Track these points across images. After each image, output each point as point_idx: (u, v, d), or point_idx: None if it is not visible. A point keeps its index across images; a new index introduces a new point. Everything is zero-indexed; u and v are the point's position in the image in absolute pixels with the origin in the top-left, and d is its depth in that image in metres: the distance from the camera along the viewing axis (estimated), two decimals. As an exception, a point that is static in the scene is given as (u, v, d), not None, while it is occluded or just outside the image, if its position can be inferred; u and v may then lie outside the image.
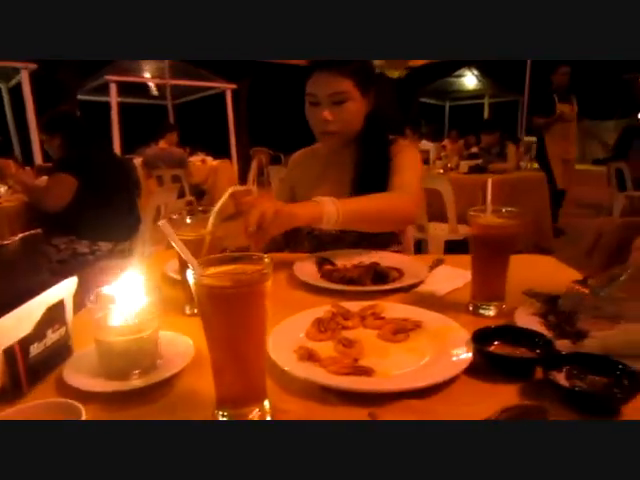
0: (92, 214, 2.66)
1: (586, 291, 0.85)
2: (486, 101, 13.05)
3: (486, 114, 13.01)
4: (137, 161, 6.46)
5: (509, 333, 0.74)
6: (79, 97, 8.77)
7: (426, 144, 4.82)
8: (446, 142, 7.88)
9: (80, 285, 0.77)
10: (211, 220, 0.90)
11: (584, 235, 0.81)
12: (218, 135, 9.64)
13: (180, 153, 5.84)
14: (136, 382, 0.64)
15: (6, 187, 3.40)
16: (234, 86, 9.49)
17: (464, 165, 4.01)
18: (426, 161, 4.36)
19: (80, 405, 0.51)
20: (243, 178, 8.03)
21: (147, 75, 9.26)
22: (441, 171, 3.96)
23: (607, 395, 0.58)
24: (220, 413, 0.58)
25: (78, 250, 2.63)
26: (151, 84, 9.81)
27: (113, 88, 7.92)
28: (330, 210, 1.09)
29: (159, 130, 5.92)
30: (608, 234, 0.84)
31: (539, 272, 1.19)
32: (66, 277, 0.75)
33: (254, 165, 6.93)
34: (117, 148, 7.78)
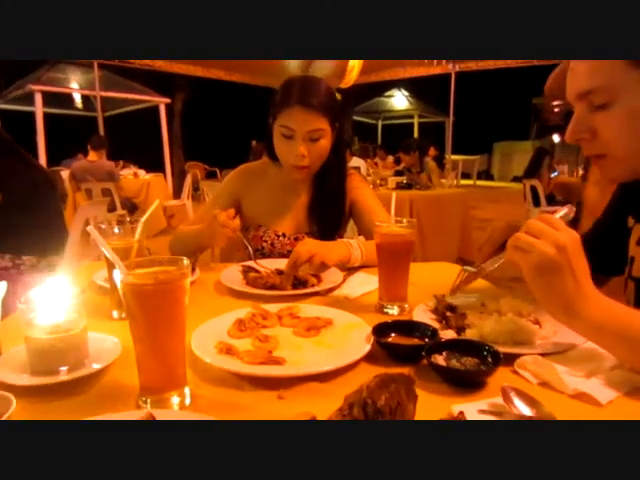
0: (14, 227, 2.56)
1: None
2: (415, 121, 13.76)
3: (416, 133, 13.70)
4: (64, 174, 6.22)
5: (405, 326, 0.86)
6: (0, 106, 8.31)
7: (357, 161, 5.04)
8: (377, 159, 8.24)
9: (4, 298, 0.81)
10: (139, 229, 0.96)
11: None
12: (152, 149, 9.47)
13: (110, 166, 5.70)
14: (63, 377, 0.69)
15: None
16: (168, 100, 9.39)
17: (392, 181, 4.24)
18: (357, 178, 4.56)
19: (11, 395, 0.56)
20: (178, 193, 7.93)
21: (75, 86, 8.94)
22: (370, 187, 4.17)
23: (472, 370, 0.71)
24: (143, 399, 0.64)
25: (0, 264, 2.53)
26: (76, 96, 9.46)
27: (38, 98, 7.58)
28: (356, 255, 1.30)
29: (87, 142, 5.75)
30: (496, 233, 1.00)
31: (443, 277, 1.34)
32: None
33: (188, 180, 6.87)
34: (42, 160, 7.42)
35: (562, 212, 0.80)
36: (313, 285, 1.16)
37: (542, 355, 0.75)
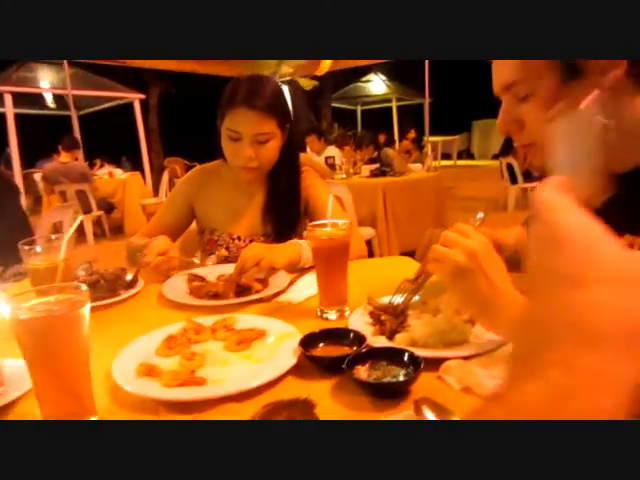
0: (-24, 238, 2.51)
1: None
2: (394, 104, 13.67)
3: (395, 116, 13.63)
4: (37, 176, 6.11)
5: (335, 335, 0.84)
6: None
7: (332, 150, 4.99)
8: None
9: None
10: (63, 248, 0.93)
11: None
12: (130, 146, 9.32)
13: (82, 167, 5.61)
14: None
15: None
16: (142, 96, 9.21)
17: (365, 169, 4.22)
18: (332, 166, 4.53)
19: None
20: (157, 190, 7.82)
21: (46, 85, 8.73)
22: (344, 176, 4.14)
23: (387, 382, 0.69)
24: (45, 435, 0.62)
25: (-39, 277, 2.48)
26: (47, 95, 9.24)
27: (8, 99, 7.39)
28: (307, 255, 1.24)
29: (59, 143, 5.64)
30: (425, 239, 0.99)
31: (398, 273, 1.32)
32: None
33: (165, 176, 6.78)
34: (16, 162, 7.26)
35: (478, 217, 0.83)
36: (257, 291, 1.14)
37: (468, 357, 0.74)
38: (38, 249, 0.93)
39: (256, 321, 0.95)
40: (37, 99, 9.33)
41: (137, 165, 8.67)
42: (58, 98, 9.53)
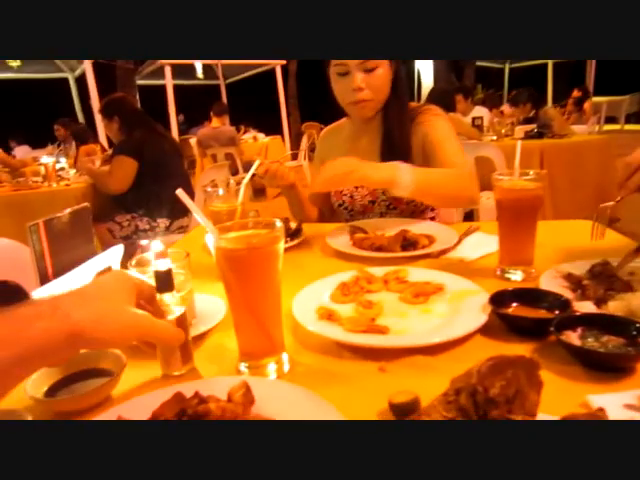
0: (150, 193, 2.82)
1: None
2: (549, 61, 12.19)
3: (550, 75, 12.20)
4: (192, 141, 6.70)
5: (530, 295, 0.74)
6: (138, 82, 9.14)
7: (480, 110, 4.62)
8: (505, 107, 7.49)
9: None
10: (241, 192, 0.95)
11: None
12: (270, 112, 9.74)
13: (231, 132, 5.98)
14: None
15: (74, 171, 3.69)
16: (283, 62, 9.50)
17: (519, 131, 3.83)
18: (480, 127, 4.21)
19: (123, 355, 0.58)
20: (296, 154, 8.09)
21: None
22: (494, 137, 3.81)
23: (617, 353, 0.58)
24: (242, 364, 0.63)
25: (139, 227, 2.82)
26: (198, 67, 9.98)
27: (167, 72, 8.14)
28: (406, 179, 1.10)
29: (211, 110, 6.08)
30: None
31: (577, 237, 1.16)
32: (130, 252, 0.84)
33: (305, 140, 6.96)
34: (174, 129, 8.03)
35: None
36: (424, 246, 1.07)
37: None
38: (220, 192, 0.97)
39: (430, 275, 0.88)
40: (190, 70, 10.15)
41: (277, 130, 9.03)
42: (208, 69, 10.28)
